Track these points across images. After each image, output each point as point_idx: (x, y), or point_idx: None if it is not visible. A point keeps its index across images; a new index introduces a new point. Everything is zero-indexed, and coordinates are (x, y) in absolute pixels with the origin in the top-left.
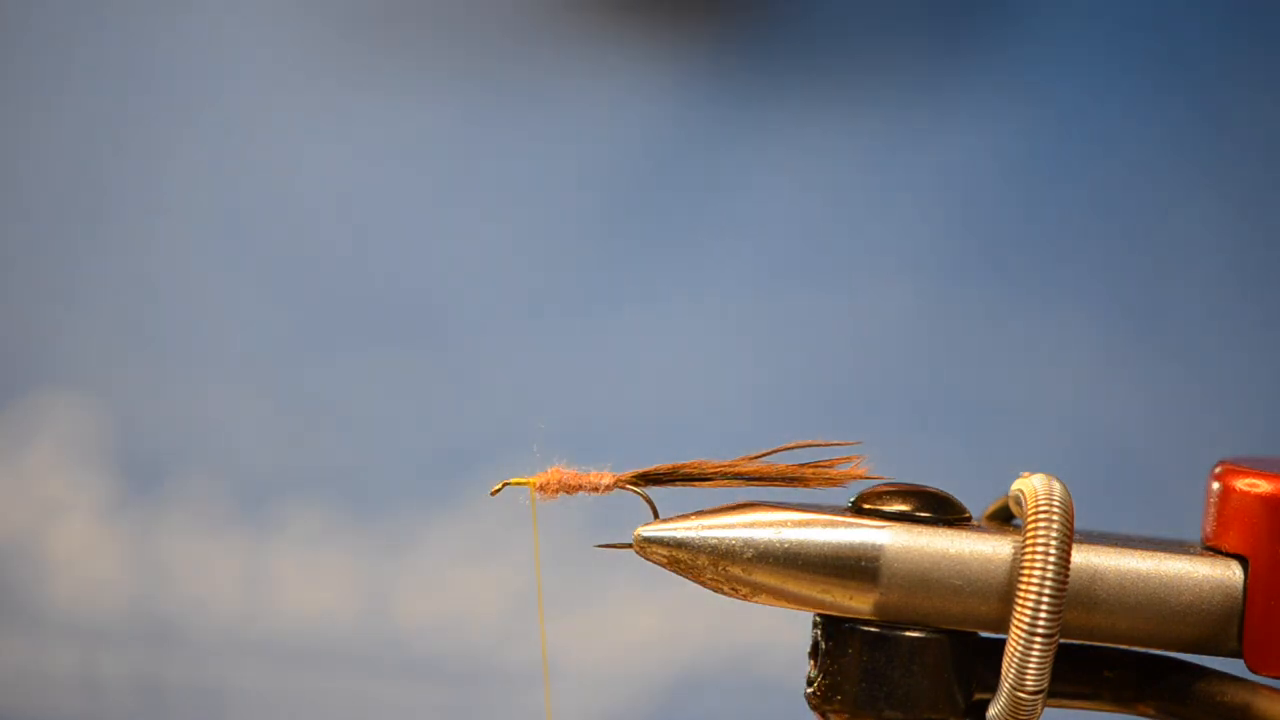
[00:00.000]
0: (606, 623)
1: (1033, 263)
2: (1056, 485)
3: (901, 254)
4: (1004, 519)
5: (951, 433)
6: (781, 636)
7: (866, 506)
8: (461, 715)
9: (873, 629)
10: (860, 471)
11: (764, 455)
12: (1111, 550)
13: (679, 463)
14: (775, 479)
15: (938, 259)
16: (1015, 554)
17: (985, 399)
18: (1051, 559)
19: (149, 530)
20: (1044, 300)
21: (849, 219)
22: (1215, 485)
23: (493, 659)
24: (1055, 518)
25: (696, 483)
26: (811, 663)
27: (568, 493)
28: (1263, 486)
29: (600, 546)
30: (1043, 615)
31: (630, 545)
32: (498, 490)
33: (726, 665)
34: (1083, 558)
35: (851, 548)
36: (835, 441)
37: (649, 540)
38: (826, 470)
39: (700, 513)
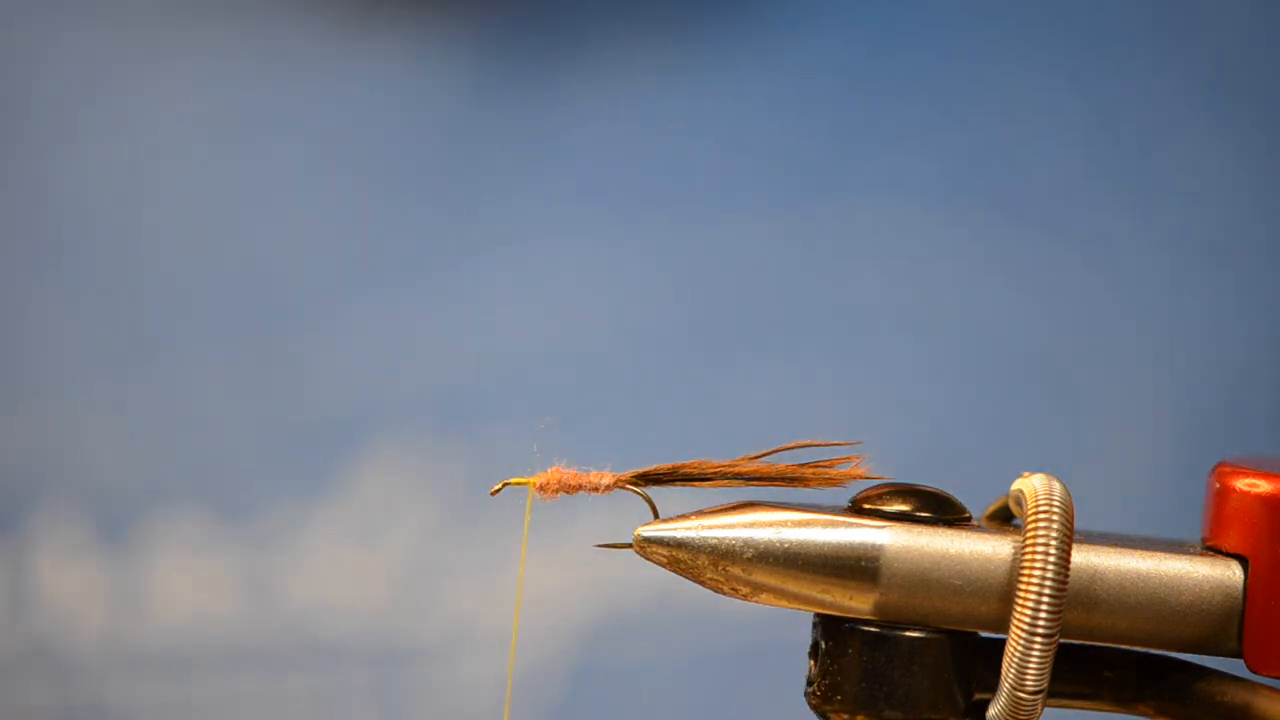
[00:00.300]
0: (511, 585)
1: (1030, 260)
2: (1056, 485)
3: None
4: (1004, 519)
5: (951, 433)
6: None
7: (866, 506)
8: (375, 696)
9: (873, 629)
10: (860, 471)
11: (764, 455)
12: (1111, 550)
13: (679, 463)
14: (775, 479)
15: (919, 244)
16: (1015, 554)
17: (985, 399)
18: (1051, 559)
19: (19, 566)
20: (1043, 299)
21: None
22: (1215, 485)
23: (396, 636)
24: (1055, 518)
25: (696, 483)
26: (811, 663)
27: (567, 493)
28: (1263, 486)
29: (600, 546)
30: (1043, 615)
31: (630, 545)
32: (498, 490)
33: (644, 603)
34: (1083, 558)
35: (851, 548)
36: (835, 441)
37: (649, 540)
38: (826, 470)
39: (700, 513)
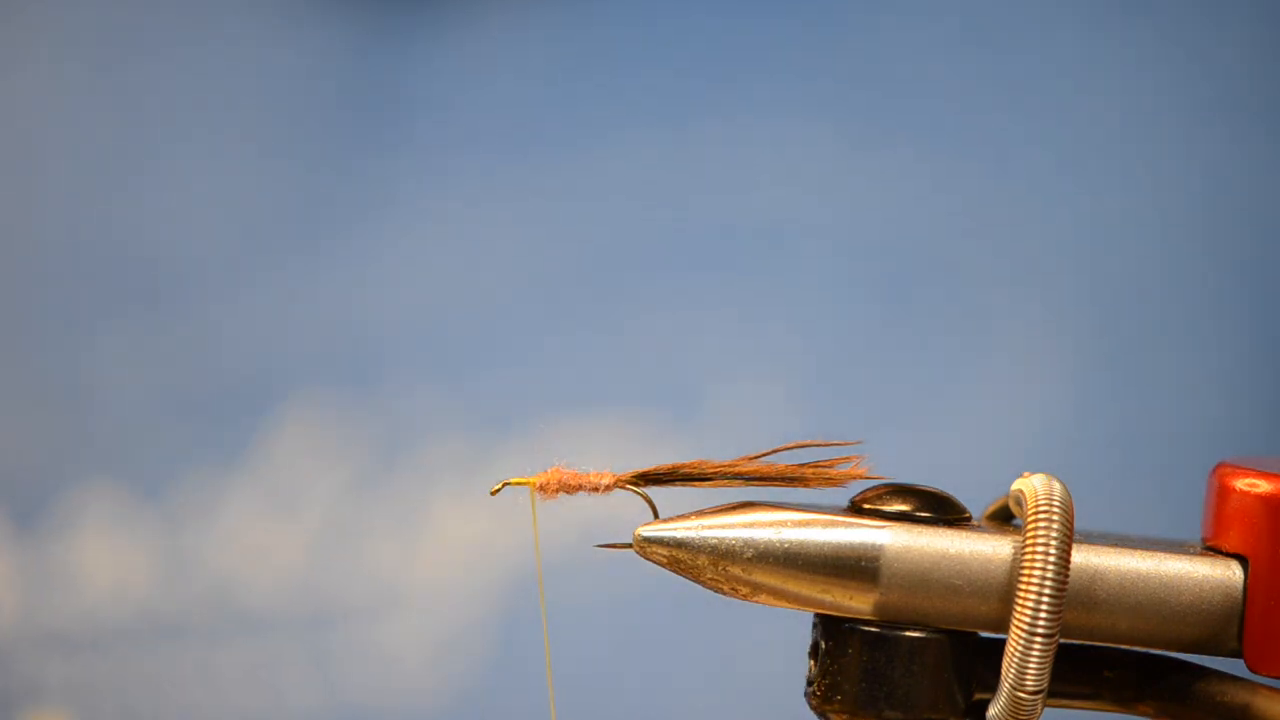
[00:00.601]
0: (432, 540)
1: (1029, 260)
2: (1056, 485)
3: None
4: (1004, 519)
5: (951, 433)
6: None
7: (866, 506)
8: (302, 661)
9: (873, 629)
10: (860, 471)
11: (764, 455)
12: (1111, 550)
13: (679, 462)
14: (775, 479)
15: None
16: (1015, 554)
17: (984, 398)
18: (1051, 559)
19: None
20: (1042, 299)
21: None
22: (1215, 485)
23: (319, 600)
24: (1055, 518)
25: (696, 483)
26: (811, 663)
27: (568, 492)
28: (1263, 486)
29: (600, 546)
30: (1043, 615)
31: (630, 545)
32: (497, 490)
33: (562, 554)
34: (1083, 558)
35: (851, 548)
36: (836, 441)
37: (649, 540)
38: (826, 470)
39: (700, 512)
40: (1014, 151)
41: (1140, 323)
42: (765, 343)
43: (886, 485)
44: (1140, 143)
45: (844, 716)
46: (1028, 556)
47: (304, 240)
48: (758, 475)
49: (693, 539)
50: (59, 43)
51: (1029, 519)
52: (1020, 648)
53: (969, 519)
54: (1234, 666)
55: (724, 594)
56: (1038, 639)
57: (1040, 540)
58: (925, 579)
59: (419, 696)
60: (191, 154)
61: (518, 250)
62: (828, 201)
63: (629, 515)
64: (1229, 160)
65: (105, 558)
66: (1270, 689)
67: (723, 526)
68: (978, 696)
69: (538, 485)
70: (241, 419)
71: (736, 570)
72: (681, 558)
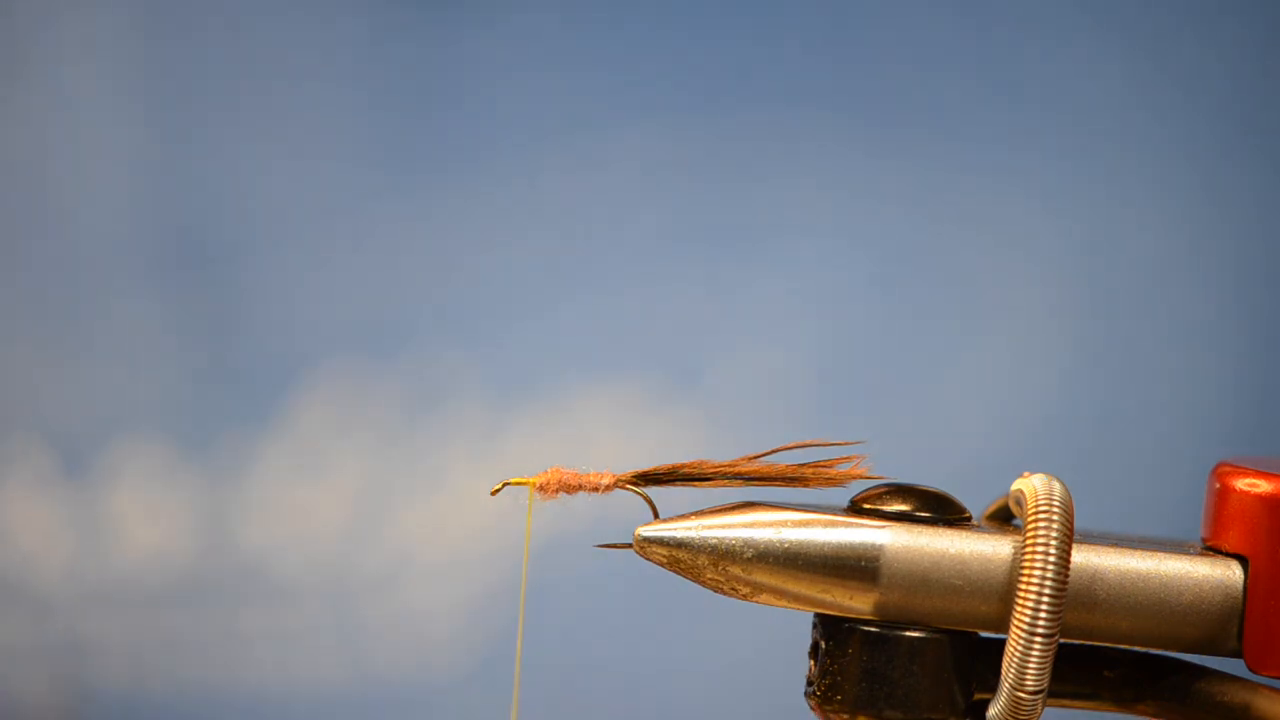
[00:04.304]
0: (453, 509)
1: (1028, 260)
2: (1056, 485)
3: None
4: (1004, 519)
5: (951, 433)
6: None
7: (866, 506)
8: (330, 625)
9: (873, 629)
10: (860, 471)
11: (764, 455)
12: (1111, 550)
13: (679, 462)
14: (775, 479)
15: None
16: (1015, 554)
17: (984, 398)
18: (1051, 559)
19: None
20: (1042, 300)
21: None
22: (1215, 485)
23: (346, 569)
24: (1055, 518)
25: (696, 483)
26: (811, 663)
27: (568, 492)
28: (1263, 486)
29: (600, 546)
30: (1043, 615)
31: (630, 545)
32: (498, 490)
33: (573, 525)
34: (1083, 558)
35: (851, 548)
36: (837, 442)
37: (649, 540)
38: (826, 470)
39: (700, 513)
40: (1015, 150)
41: (1141, 323)
42: (768, 320)
43: (886, 485)
44: (1139, 142)
45: (844, 716)
46: (1028, 556)
47: (336, 221)
48: (758, 475)
49: (693, 539)
50: (113, 19)
51: (1029, 519)
52: (1020, 648)
53: (969, 519)
54: (1234, 666)
55: (724, 594)
56: (1038, 639)
57: (1040, 540)
58: (925, 579)
59: (441, 660)
60: (234, 137)
61: (535, 229)
62: (827, 192)
63: (629, 515)
64: (1231, 160)
65: (144, 511)
66: (1270, 689)
67: (723, 526)
68: (978, 696)
69: (537, 485)
70: (274, 384)
71: (737, 570)
72: (681, 558)
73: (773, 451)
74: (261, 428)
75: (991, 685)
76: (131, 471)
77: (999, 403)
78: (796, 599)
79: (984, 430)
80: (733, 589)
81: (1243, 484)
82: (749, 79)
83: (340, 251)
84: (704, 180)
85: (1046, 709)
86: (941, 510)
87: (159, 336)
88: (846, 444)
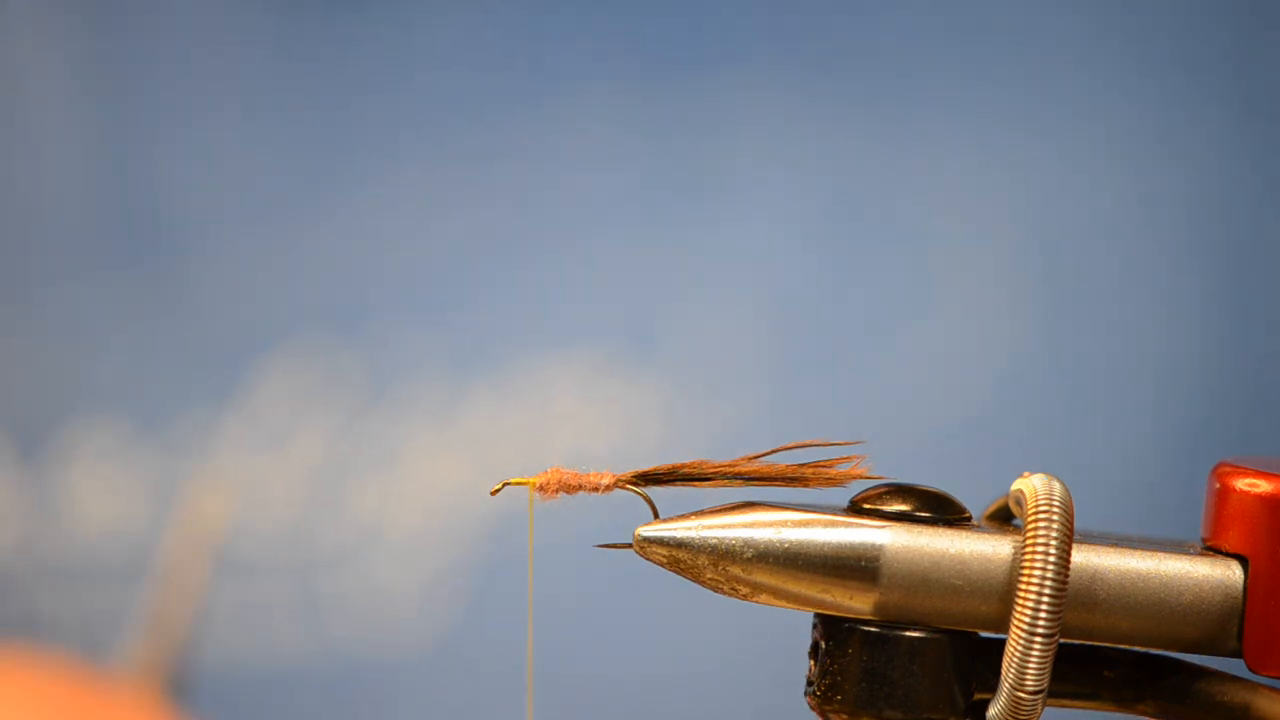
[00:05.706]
0: (413, 485)
1: (1027, 258)
2: (1056, 485)
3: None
4: (1004, 519)
5: (951, 433)
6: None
7: (866, 506)
8: (292, 600)
9: (873, 629)
10: (860, 471)
11: (764, 455)
12: (1111, 550)
13: (679, 462)
14: (775, 479)
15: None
16: (1015, 554)
17: (983, 398)
18: (1051, 559)
19: None
20: (1044, 300)
21: None
22: (1215, 485)
23: (306, 545)
24: (1055, 518)
25: (696, 483)
26: (811, 663)
27: (567, 492)
28: (1263, 486)
29: (600, 546)
30: (1043, 615)
31: (630, 545)
32: (497, 490)
33: (561, 553)
34: (1083, 558)
35: (851, 548)
36: (837, 441)
37: (649, 540)
38: (826, 470)
39: (700, 513)
40: (1014, 151)
41: (1141, 323)
42: (725, 282)
43: (886, 485)
44: (1135, 142)
45: (844, 716)
46: (1028, 556)
47: (290, 198)
48: (758, 475)
49: (693, 539)
50: (69, 13)
51: (1029, 519)
52: (1020, 648)
53: (969, 519)
54: (1234, 666)
55: (724, 594)
56: (1038, 639)
57: (1040, 540)
58: (925, 579)
59: (403, 635)
60: (188, 121)
61: (494, 203)
62: (792, 163)
63: (630, 515)
64: (1232, 160)
65: (102, 489)
66: (1270, 689)
67: (723, 526)
68: (978, 696)
69: (537, 485)
70: (231, 362)
71: (737, 570)
72: (681, 558)
73: (773, 451)
74: (219, 407)
75: (991, 685)
76: (88, 451)
77: (998, 402)
78: (796, 599)
79: (983, 431)
80: (733, 589)
81: (1243, 484)
82: (699, 42)
83: (296, 229)
84: (656, 146)
85: (1046, 709)
86: (941, 510)
87: (115, 316)
88: (847, 444)
